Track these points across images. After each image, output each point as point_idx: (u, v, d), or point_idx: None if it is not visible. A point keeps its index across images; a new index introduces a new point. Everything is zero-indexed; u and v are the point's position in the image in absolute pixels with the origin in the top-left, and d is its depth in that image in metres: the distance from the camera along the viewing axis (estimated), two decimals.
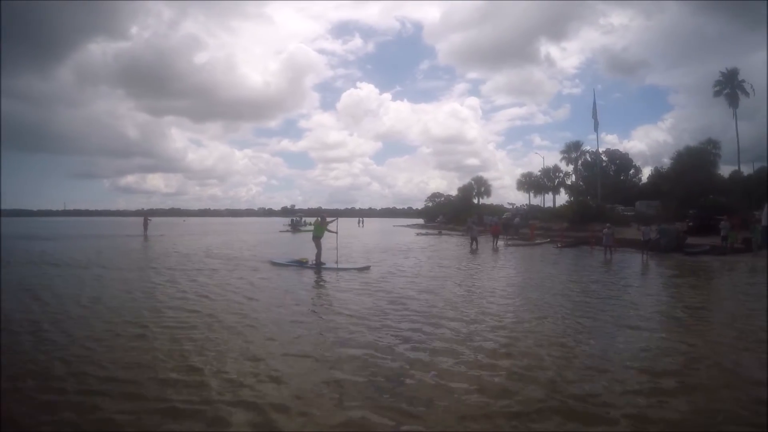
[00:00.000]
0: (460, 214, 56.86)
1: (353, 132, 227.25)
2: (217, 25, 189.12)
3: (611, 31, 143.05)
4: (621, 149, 75.07)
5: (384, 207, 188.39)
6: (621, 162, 67.14)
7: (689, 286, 12.73)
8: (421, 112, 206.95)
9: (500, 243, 28.01)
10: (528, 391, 4.78)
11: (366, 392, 4.71)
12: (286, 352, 6.08)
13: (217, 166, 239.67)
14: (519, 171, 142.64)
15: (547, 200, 68.84)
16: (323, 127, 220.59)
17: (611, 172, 65.63)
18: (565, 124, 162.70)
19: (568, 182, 67.24)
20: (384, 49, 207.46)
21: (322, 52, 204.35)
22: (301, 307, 9.07)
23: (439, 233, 45.13)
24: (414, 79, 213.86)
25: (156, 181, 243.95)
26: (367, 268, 14.76)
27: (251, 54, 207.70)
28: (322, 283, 12.32)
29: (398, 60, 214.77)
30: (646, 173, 64.73)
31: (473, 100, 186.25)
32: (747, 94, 42.34)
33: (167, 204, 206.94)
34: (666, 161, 53.77)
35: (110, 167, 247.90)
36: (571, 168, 66.43)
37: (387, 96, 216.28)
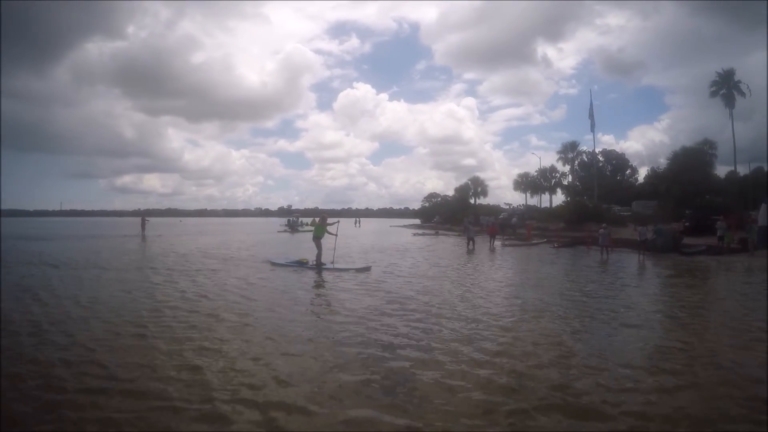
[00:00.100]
0: (457, 215, 56.91)
1: (350, 132, 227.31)
2: (214, 25, 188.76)
3: (608, 31, 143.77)
4: (617, 149, 75.70)
5: (381, 207, 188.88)
6: (617, 162, 67.38)
7: (686, 285, 12.80)
8: (417, 112, 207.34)
9: (497, 243, 28.05)
10: (526, 389, 4.81)
11: (366, 391, 4.73)
12: (285, 351, 6.09)
13: (214, 167, 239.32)
14: (516, 171, 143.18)
15: (544, 200, 69.07)
16: (320, 127, 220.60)
17: (608, 173, 65.88)
18: (562, 125, 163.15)
19: (565, 182, 67.37)
20: (381, 50, 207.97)
21: (319, 52, 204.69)
22: (300, 307, 9.08)
23: (436, 233, 45.18)
24: (411, 80, 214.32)
25: (153, 181, 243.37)
26: (367, 268, 14.73)
27: (248, 54, 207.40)
28: (321, 283, 12.31)
29: (395, 60, 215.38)
30: (642, 173, 65.07)
31: (470, 101, 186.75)
32: (743, 94, 42.56)
33: (164, 204, 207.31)
34: (662, 161, 53.95)
35: (107, 167, 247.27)
36: (567, 168, 66.52)
37: (384, 96, 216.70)
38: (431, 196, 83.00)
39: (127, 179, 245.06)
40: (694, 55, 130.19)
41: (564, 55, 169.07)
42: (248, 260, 17.50)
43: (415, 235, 42.98)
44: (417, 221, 77.82)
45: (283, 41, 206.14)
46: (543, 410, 4.30)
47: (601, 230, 21.78)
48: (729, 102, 42.93)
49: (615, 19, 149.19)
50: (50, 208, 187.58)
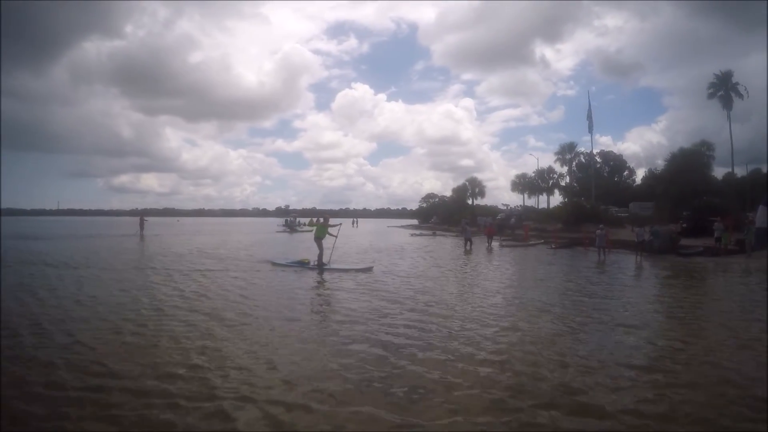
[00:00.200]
0: (455, 215, 56.86)
1: (348, 132, 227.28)
2: (212, 25, 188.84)
3: (606, 33, 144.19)
4: (615, 151, 75.73)
5: (378, 208, 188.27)
6: (615, 163, 67.59)
7: (683, 286, 12.83)
8: (415, 112, 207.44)
9: (495, 244, 28.04)
10: (524, 387, 4.85)
11: (367, 389, 4.76)
12: (286, 349, 6.12)
13: (212, 166, 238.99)
14: (513, 172, 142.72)
15: (542, 201, 69.30)
16: (318, 127, 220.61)
17: (605, 174, 66.07)
18: (560, 126, 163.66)
19: (563, 183, 67.63)
20: (379, 50, 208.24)
21: (317, 52, 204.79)
22: (301, 306, 9.11)
23: (434, 234, 45.11)
24: (409, 80, 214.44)
25: (150, 181, 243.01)
26: (369, 269, 14.70)
27: (246, 54, 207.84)
28: (322, 283, 12.33)
29: (393, 61, 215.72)
30: (640, 175, 65.34)
31: (468, 101, 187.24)
32: (741, 96, 42.62)
33: (161, 204, 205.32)
34: (660, 163, 54.12)
35: (104, 166, 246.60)
36: (565, 169, 66.81)
37: (382, 97, 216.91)
38: (429, 197, 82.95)
39: (124, 179, 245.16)
40: (691, 56, 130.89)
41: (562, 56, 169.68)
42: (248, 260, 17.48)
43: (412, 235, 42.94)
44: (414, 222, 77.79)
45: (282, 41, 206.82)
46: (542, 408, 4.32)
47: (599, 231, 21.79)
48: (727, 104, 43.02)
49: (613, 20, 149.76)
50: (48, 208, 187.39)
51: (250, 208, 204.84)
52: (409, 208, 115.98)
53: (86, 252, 20.92)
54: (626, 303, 9.81)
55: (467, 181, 77.59)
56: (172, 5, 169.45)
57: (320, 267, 14.43)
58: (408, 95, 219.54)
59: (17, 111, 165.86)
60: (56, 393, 4.60)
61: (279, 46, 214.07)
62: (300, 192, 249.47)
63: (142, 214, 41.59)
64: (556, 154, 66.73)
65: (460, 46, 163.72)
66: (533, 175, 68.74)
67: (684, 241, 23.42)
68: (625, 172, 67.44)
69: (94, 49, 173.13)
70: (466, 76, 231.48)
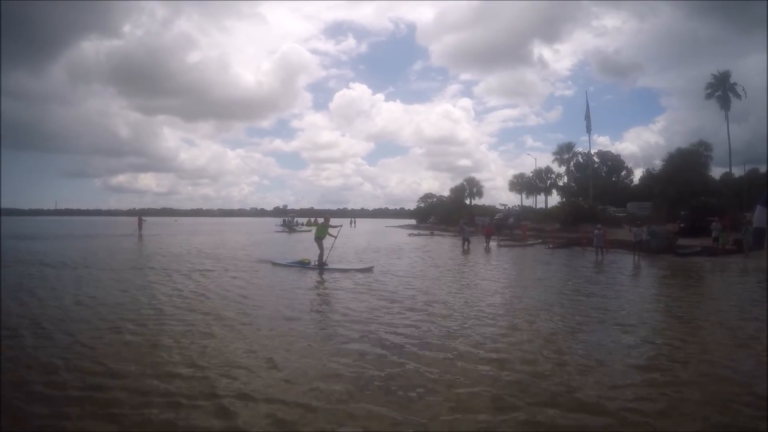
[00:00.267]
0: (452, 215, 56.84)
1: (345, 132, 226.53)
2: (210, 25, 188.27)
3: (604, 33, 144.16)
4: (613, 151, 75.75)
5: (376, 207, 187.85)
6: (613, 163, 67.65)
7: (680, 286, 12.88)
8: (413, 112, 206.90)
9: (493, 244, 28.08)
10: (523, 385, 4.88)
11: (367, 387, 4.78)
12: (286, 348, 6.14)
13: (209, 166, 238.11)
14: (511, 172, 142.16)
15: (539, 201, 69.31)
16: (315, 127, 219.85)
17: (603, 174, 66.11)
18: (558, 126, 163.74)
19: (560, 183, 67.71)
20: (377, 50, 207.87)
21: (315, 52, 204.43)
22: (301, 306, 9.12)
23: (431, 234, 45.16)
24: (407, 80, 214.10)
25: (148, 181, 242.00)
26: (370, 269, 14.69)
27: (244, 53, 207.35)
28: (322, 283, 12.34)
29: (391, 61, 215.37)
30: (637, 175, 65.45)
31: (466, 101, 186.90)
32: (739, 96, 42.75)
33: (159, 204, 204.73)
34: (658, 163, 54.32)
35: (102, 166, 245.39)
36: (563, 169, 66.97)
37: (380, 96, 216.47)
38: (427, 197, 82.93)
39: (122, 178, 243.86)
40: (689, 57, 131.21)
41: (560, 57, 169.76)
42: (247, 260, 17.49)
43: (410, 235, 42.98)
44: (412, 222, 77.76)
45: (280, 41, 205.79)
46: (541, 406, 4.35)
47: (596, 231, 21.87)
48: (724, 104, 43.14)
49: (611, 20, 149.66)
50: (45, 207, 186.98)
51: (248, 208, 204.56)
52: (406, 208, 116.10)
53: (85, 252, 20.90)
54: (624, 302, 9.85)
55: (465, 181, 77.69)
56: (170, 5, 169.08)
57: (321, 267, 14.44)
58: (406, 95, 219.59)
59: (15, 110, 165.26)
60: (56, 392, 4.60)
61: (277, 46, 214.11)
62: (298, 192, 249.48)
63: (140, 213, 41.47)
64: (554, 154, 66.97)
65: (458, 46, 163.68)
66: (531, 175, 68.80)
67: (681, 241, 23.48)
68: (623, 172, 67.57)
69: (92, 48, 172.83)
70: (464, 76, 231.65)
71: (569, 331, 7.25)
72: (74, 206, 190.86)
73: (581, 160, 64.48)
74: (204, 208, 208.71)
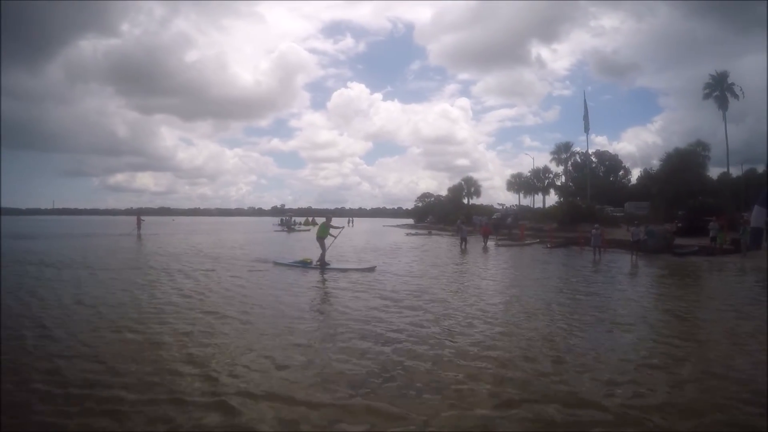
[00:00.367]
0: (450, 215, 56.89)
1: (343, 132, 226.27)
2: (208, 24, 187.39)
3: (602, 33, 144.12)
4: (611, 151, 75.85)
5: (374, 207, 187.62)
6: (610, 163, 67.79)
7: (678, 285, 12.94)
8: (411, 112, 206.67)
9: (490, 243, 28.12)
10: (522, 382, 4.92)
11: (367, 384, 4.81)
12: (287, 346, 6.17)
13: (207, 165, 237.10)
14: (509, 172, 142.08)
15: (537, 201, 69.36)
16: (313, 126, 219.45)
17: (601, 174, 66.27)
18: (555, 126, 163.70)
19: (558, 183, 67.78)
20: (375, 49, 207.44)
21: (313, 51, 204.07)
22: (302, 305, 9.16)
23: (429, 233, 45.23)
24: (405, 80, 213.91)
25: (145, 180, 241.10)
26: (372, 269, 14.69)
27: (242, 53, 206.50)
28: (323, 282, 12.36)
29: (389, 60, 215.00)
30: (635, 174, 65.49)
31: (464, 101, 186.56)
32: (737, 97, 42.97)
33: (156, 203, 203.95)
34: (655, 163, 54.27)
35: (100, 165, 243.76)
36: (560, 169, 67.02)
37: (378, 96, 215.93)
38: (424, 196, 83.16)
39: (120, 178, 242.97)
40: (687, 57, 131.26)
41: (558, 57, 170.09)
42: (246, 259, 17.50)
43: (408, 235, 43.01)
44: (410, 221, 77.87)
45: (278, 40, 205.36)
46: (540, 402, 4.38)
47: (594, 231, 21.88)
48: (722, 104, 43.35)
49: (609, 20, 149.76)
50: (43, 207, 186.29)
51: (246, 208, 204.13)
52: (404, 208, 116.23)
53: (84, 251, 20.87)
54: (622, 301, 9.89)
55: (463, 180, 77.76)
56: (168, 4, 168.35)
57: (322, 266, 14.47)
58: (404, 95, 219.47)
59: (12, 109, 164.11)
60: (57, 390, 4.61)
61: (275, 45, 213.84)
62: (296, 191, 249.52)
63: (139, 213, 41.40)
64: (552, 153, 67.03)
65: (456, 45, 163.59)
66: (529, 174, 68.83)
67: (679, 241, 23.52)
68: (621, 172, 67.69)
69: (90, 47, 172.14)
70: (462, 75, 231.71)
71: (568, 330, 7.29)
72: (72, 205, 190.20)
73: (579, 160, 64.67)
74: (202, 207, 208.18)
